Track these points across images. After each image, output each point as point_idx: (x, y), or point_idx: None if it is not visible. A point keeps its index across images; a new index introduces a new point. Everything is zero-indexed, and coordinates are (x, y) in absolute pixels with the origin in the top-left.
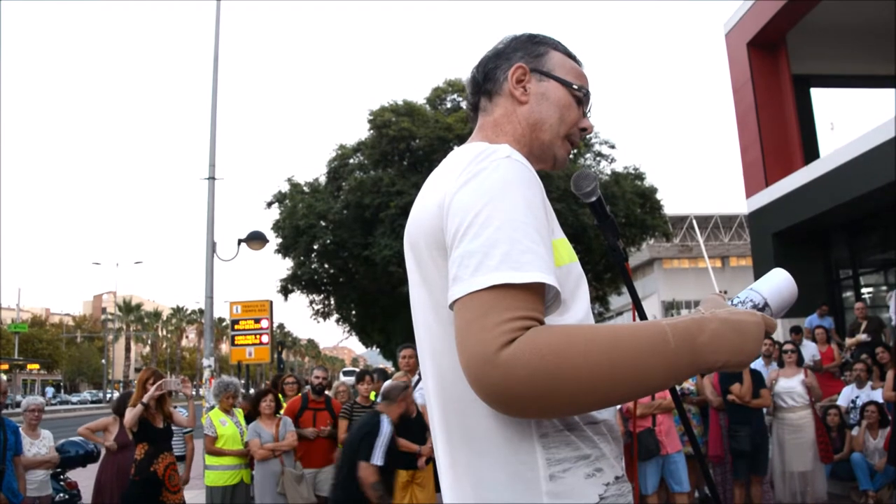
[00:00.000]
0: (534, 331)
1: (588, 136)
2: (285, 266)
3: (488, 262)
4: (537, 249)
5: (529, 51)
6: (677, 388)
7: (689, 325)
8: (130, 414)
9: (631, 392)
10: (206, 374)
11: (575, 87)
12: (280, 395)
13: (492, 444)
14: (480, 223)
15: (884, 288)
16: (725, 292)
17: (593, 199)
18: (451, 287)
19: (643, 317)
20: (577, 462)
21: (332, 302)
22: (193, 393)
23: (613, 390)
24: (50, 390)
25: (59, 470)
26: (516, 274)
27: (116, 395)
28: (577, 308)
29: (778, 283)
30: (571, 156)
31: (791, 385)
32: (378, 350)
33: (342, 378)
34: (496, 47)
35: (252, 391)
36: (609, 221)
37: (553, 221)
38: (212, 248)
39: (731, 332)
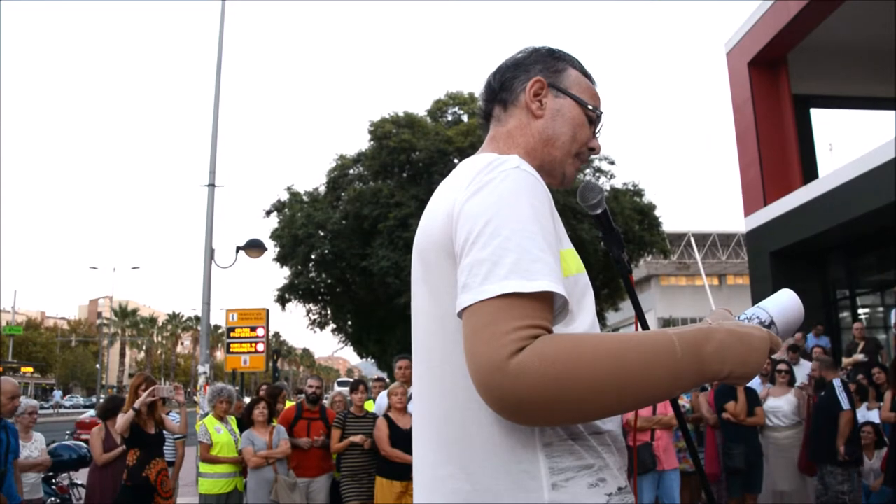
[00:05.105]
0: (543, 339)
1: None
2: (283, 275)
3: (498, 271)
4: (546, 258)
5: (549, 65)
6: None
7: (696, 334)
8: (122, 420)
9: (638, 400)
10: (201, 381)
11: (590, 107)
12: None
13: (494, 452)
14: (490, 232)
15: (880, 309)
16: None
17: (599, 210)
18: (461, 295)
19: (645, 328)
20: (581, 472)
21: (329, 312)
22: (185, 400)
23: (621, 398)
24: (57, 393)
25: (50, 473)
26: (526, 283)
27: None
28: (583, 317)
29: (785, 304)
30: None
31: (778, 405)
32: (373, 361)
33: (337, 388)
34: (515, 57)
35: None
36: (614, 234)
37: (561, 231)
38: (210, 255)
39: (737, 343)
